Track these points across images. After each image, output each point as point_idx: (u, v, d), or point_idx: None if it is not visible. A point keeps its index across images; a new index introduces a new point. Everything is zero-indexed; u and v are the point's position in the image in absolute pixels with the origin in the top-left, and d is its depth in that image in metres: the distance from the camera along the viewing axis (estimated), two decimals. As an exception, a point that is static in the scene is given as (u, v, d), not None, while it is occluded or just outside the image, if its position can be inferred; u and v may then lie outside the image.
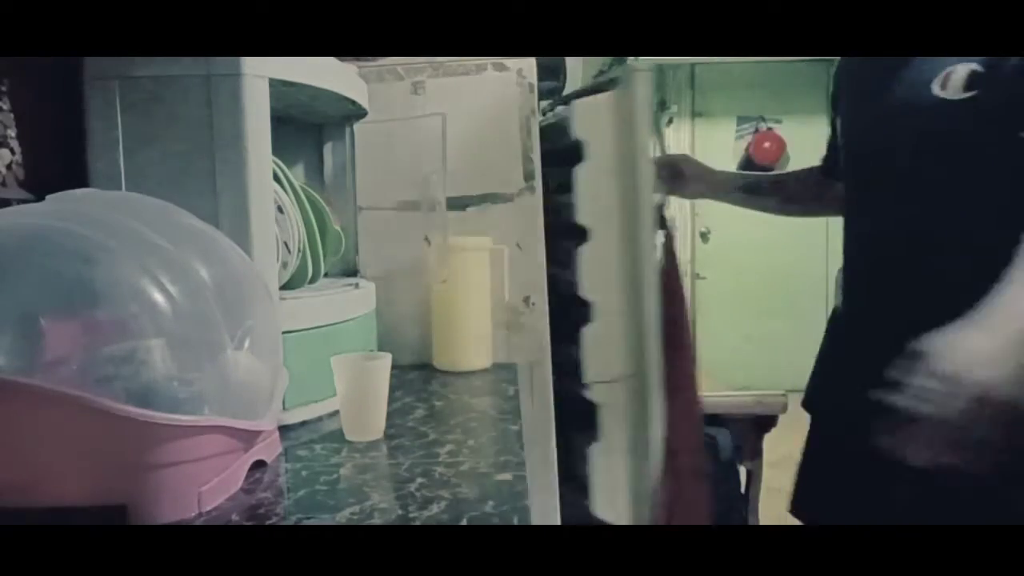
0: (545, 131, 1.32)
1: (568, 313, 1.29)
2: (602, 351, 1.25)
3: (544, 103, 1.52)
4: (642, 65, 1.20)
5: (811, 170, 1.31)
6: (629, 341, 1.24)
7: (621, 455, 1.25)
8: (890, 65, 0.93)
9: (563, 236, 1.30)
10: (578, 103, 1.27)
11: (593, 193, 1.24)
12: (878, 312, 1.00)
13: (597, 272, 1.25)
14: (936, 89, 0.84)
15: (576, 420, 1.29)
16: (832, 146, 1.19)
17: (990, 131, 0.81)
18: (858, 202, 1.05)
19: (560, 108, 1.45)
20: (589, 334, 1.25)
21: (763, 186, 1.43)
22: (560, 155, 1.29)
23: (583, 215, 1.24)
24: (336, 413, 0.89)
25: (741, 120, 4.85)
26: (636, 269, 1.24)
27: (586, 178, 1.24)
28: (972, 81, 0.81)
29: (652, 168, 1.23)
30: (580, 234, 1.25)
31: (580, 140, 1.23)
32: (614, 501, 1.26)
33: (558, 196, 1.34)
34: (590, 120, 1.23)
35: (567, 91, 1.65)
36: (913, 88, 0.87)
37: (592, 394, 1.26)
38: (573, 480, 1.31)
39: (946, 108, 0.83)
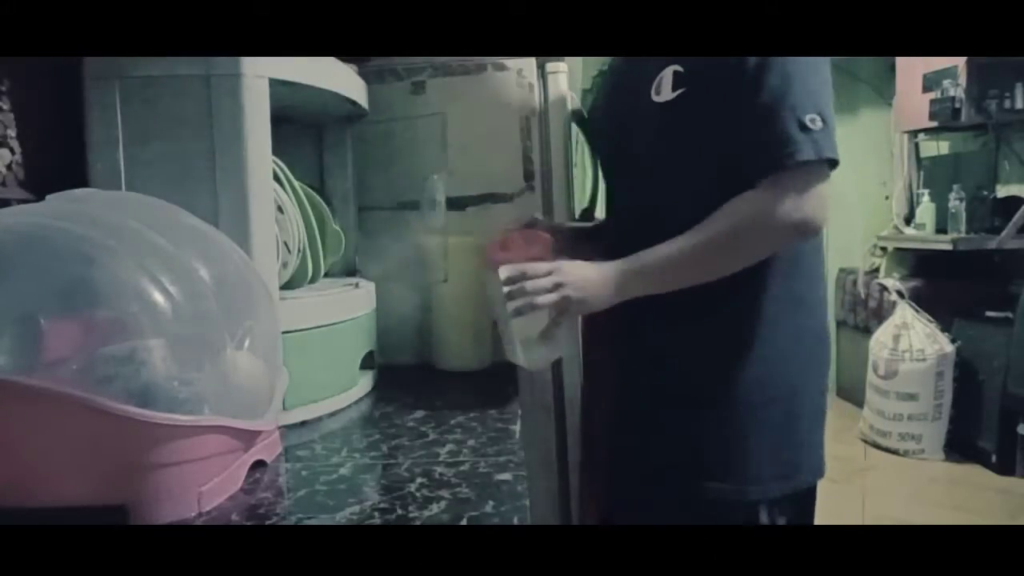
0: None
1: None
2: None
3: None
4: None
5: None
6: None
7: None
8: (619, 73, 1.02)
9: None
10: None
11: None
12: None
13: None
14: (653, 95, 0.92)
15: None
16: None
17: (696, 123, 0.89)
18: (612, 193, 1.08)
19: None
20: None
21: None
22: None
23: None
24: (336, 413, 0.89)
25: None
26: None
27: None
28: (677, 82, 0.90)
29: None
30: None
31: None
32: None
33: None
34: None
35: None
36: (637, 95, 0.96)
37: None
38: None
39: (660, 109, 0.92)
